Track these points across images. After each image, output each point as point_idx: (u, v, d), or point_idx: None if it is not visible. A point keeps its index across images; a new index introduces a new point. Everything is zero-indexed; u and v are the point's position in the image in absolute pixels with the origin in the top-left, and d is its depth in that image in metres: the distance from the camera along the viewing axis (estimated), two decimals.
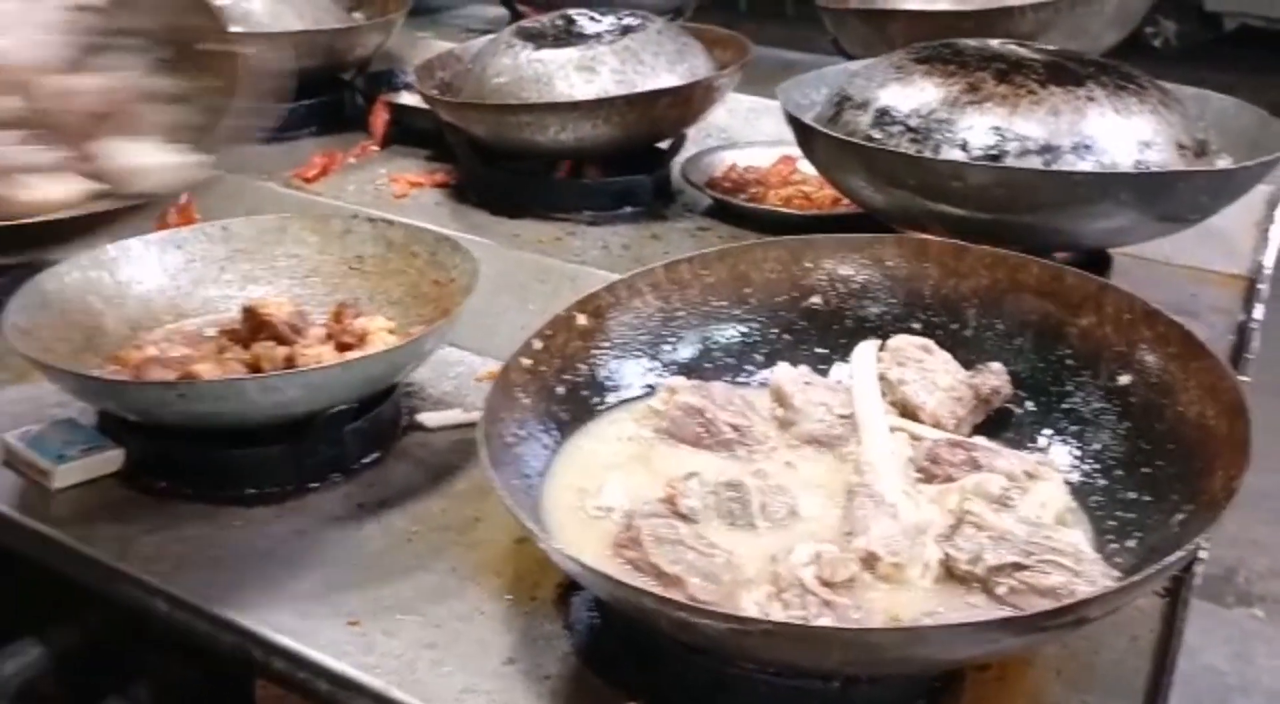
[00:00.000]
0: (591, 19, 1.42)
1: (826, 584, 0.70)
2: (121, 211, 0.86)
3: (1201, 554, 0.87)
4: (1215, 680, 2.53)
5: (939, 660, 0.64)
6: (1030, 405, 0.91)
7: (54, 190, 0.83)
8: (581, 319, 0.94)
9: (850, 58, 1.53)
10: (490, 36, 1.59)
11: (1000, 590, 0.71)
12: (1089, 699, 0.75)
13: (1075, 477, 0.84)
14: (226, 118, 0.89)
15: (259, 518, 0.92)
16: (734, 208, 1.40)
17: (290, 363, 0.97)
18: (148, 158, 0.88)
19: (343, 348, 1.01)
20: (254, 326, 1.02)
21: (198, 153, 0.89)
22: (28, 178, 0.82)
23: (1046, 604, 0.68)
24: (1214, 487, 0.71)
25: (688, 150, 1.52)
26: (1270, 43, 8.09)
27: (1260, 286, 1.20)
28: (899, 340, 0.94)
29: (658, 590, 0.71)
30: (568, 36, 1.41)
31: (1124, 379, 0.85)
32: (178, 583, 0.83)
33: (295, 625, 0.80)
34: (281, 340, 1.01)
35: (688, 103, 1.36)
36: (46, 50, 0.87)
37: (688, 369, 0.97)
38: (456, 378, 1.13)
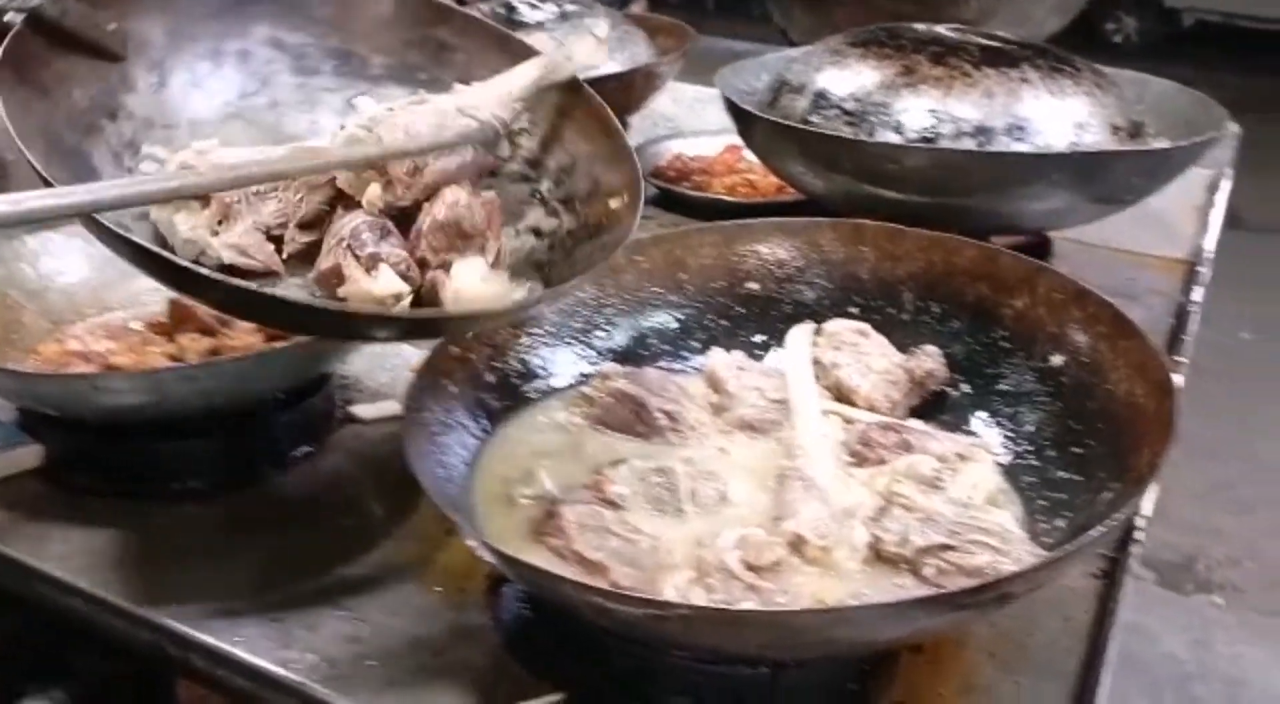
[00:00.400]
0: (532, 6, 1.41)
1: (752, 568, 0.69)
2: (421, 324, 0.80)
3: (1138, 535, 0.87)
4: (1175, 668, 2.55)
5: (860, 642, 0.63)
6: (965, 387, 0.90)
7: (380, 285, 0.77)
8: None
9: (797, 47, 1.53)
10: None
11: (927, 571, 0.70)
12: (1021, 680, 0.75)
13: (1008, 457, 0.83)
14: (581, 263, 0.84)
15: (183, 514, 0.89)
16: (677, 196, 1.39)
17: (215, 354, 0.95)
18: (469, 281, 0.80)
19: (272, 338, 0.99)
20: (179, 318, 1.00)
21: (524, 287, 0.84)
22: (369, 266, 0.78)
23: (972, 584, 0.68)
24: (1140, 464, 0.71)
25: (633, 140, 1.50)
26: (1227, 37, 8.20)
27: (1200, 269, 1.20)
28: (835, 324, 0.93)
29: (581, 578, 0.70)
30: (507, 25, 1.39)
31: (1056, 359, 0.84)
32: (94, 581, 0.81)
33: (214, 622, 0.78)
34: (207, 332, 0.99)
35: (628, 90, 1.35)
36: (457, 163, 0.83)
37: (622, 356, 0.96)
38: (393, 369, 1.11)
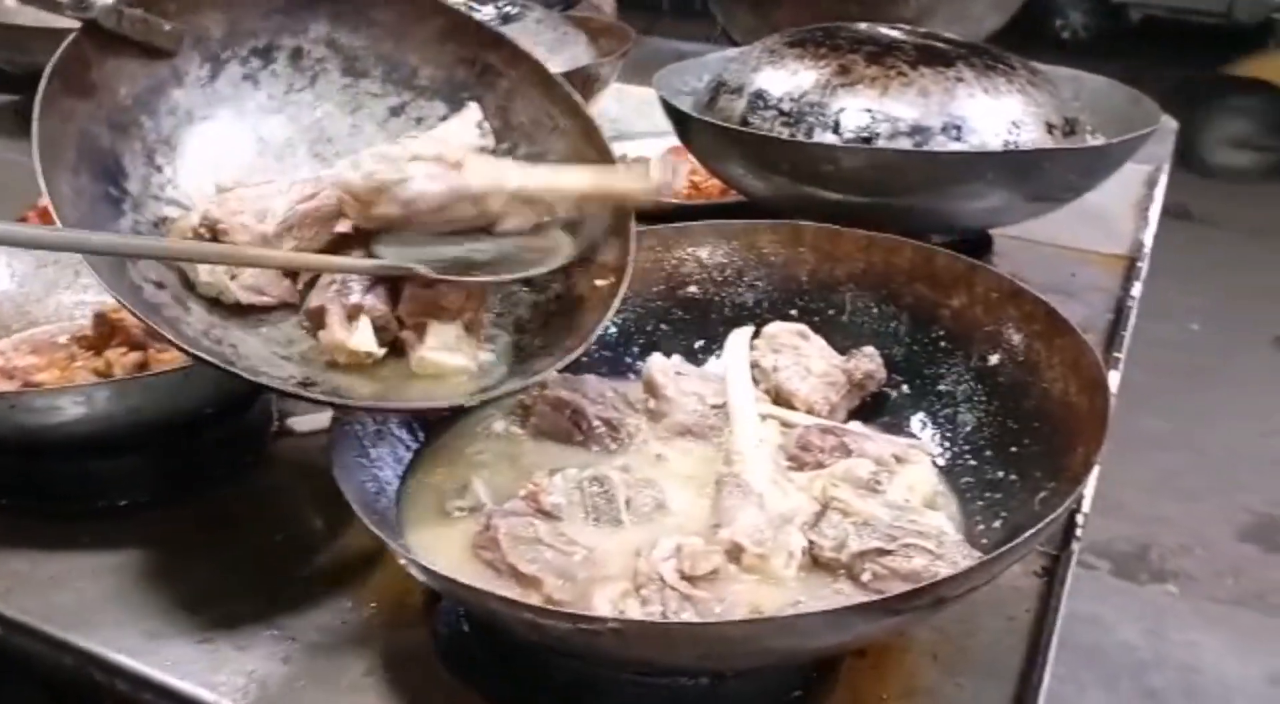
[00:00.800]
0: (469, 8, 1.39)
1: (688, 578, 0.68)
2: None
3: (1079, 532, 0.87)
4: (1130, 656, 2.58)
5: (793, 651, 0.63)
6: (905, 388, 0.90)
7: (356, 339, 0.80)
8: None
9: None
10: None
11: (865, 576, 0.69)
12: (963, 682, 0.74)
13: (946, 458, 0.83)
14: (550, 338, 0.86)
15: (111, 533, 0.87)
16: None
17: (142, 369, 0.93)
18: (437, 348, 0.81)
19: None
20: (106, 332, 0.97)
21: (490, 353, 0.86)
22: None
23: (904, 590, 0.67)
24: (1074, 463, 0.70)
25: None
26: (1174, 32, 8.34)
27: (1139, 265, 1.20)
28: (775, 327, 0.93)
29: (515, 593, 0.69)
30: None
31: (994, 359, 0.84)
32: (14, 604, 0.79)
33: (140, 645, 0.76)
34: (136, 346, 0.96)
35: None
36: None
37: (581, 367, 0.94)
38: None
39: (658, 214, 1.32)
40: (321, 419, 1.01)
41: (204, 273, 0.81)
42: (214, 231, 0.81)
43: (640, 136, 1.53)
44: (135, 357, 0.94)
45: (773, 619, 0.58)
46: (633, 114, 1.60)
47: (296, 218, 0.82)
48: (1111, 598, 2.78)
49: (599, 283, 0.87)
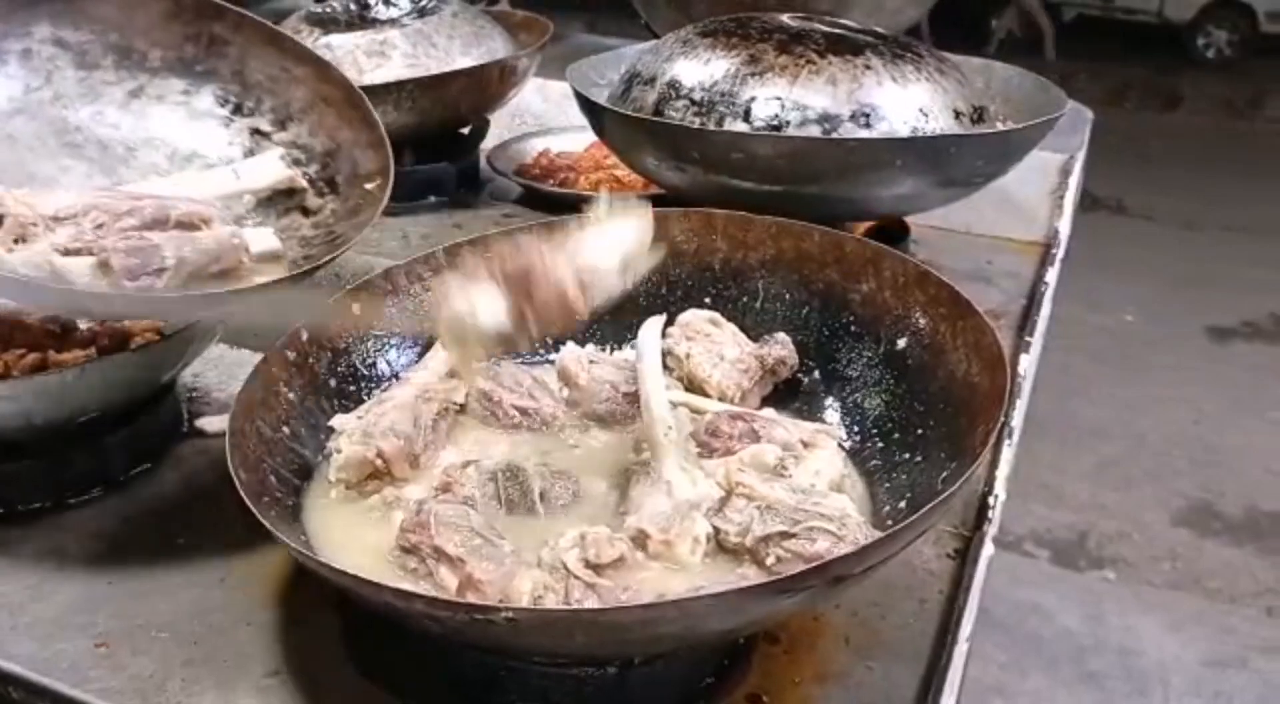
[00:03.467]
0: (386, 3, 1.37)
1: (593, 566, 0.67)
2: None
3: (993, 516, 0.88)
4: (1070, 642, 2.62)
5: (690, 635, 0.62)
6: (817, 374, 0.90)
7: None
8: (356, 308, 0.90)
9: None
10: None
11: (769, 560, 0.69)
12: (874, 665, 0.74)
13: (855, 442, 0.83)
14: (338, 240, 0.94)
15: (8, 538, 0.84)
16: (542, 194, 1.37)
17: (42, 370, 0.90)
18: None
19: (103, 352, 0.94)
20: (4, 334, 0.94)
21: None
22: None
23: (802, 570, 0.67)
24: (975, 441, 0.71)
25: (498, 137, 1.48)
26: (1107, 31, 8.50)
27: (1054, 251, 1.22)
28: (689, 315, 0.93)
29: (433, 579, 0.68)
30: (360, 22, 1.36)
31: (901, 342, 0.85)
32: None
33: (34, 652, 0.74)
34: (35, 347, 0.93)
35: (484, 86, 1.32)
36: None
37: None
38: (244, 380, 1.06)
39: (577, 208, 1.32)
40: None
41: None
42: None
43: (562, 131, 1.52)
44: (33, 358, 0.91)
45: (665, 604, 0.57)
46: (554, 109, 1.60)
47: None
48: (1052, 585, 2.81)
49: (369, 186, 0.96)
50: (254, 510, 0.65)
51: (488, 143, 1.49)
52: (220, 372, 1.08)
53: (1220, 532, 3.04)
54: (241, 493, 0.68)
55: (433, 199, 1.39)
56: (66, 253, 0.81)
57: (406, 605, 0.60)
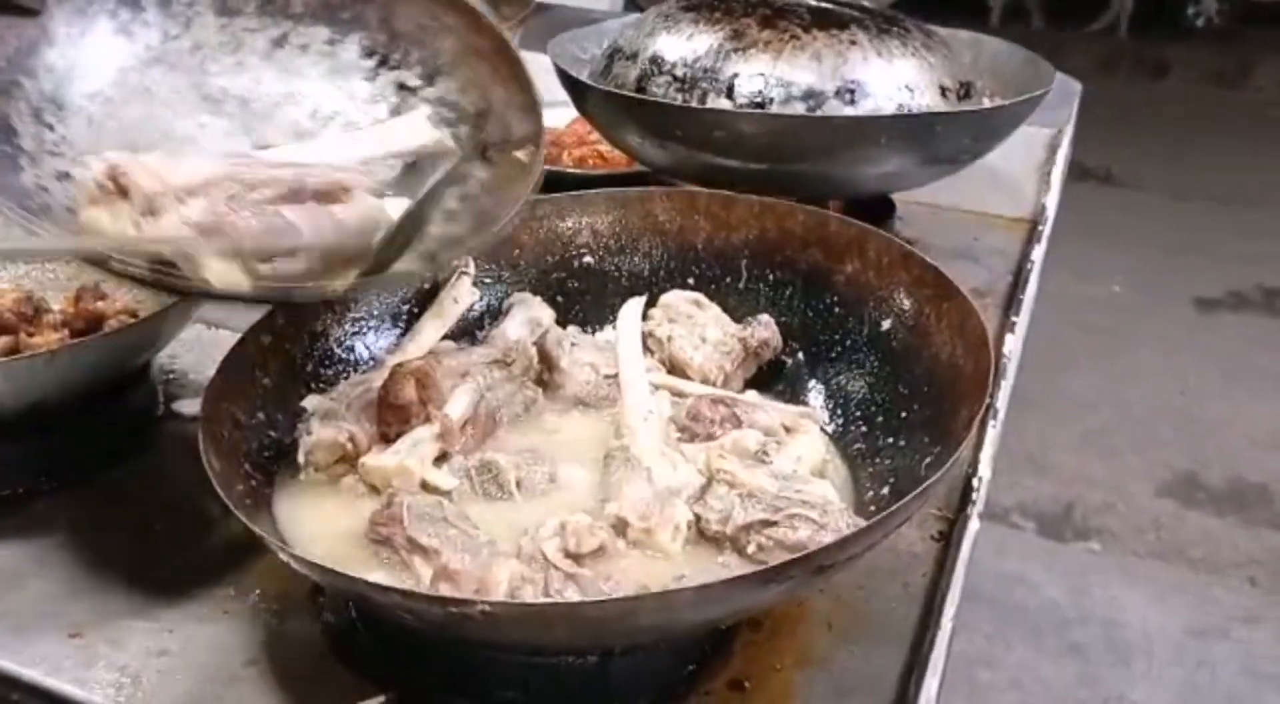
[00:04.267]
0: None
1: (572, 556, 0.67)
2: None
3: (977, 498, 0.87)
4: (1055, 614, 2.64)
5: (670, 627, 0.62)
6: (801, 356, 0.89)
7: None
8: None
9: None
10: None
11: (750, 548, 0.69)
12: (856, 649, 0.74)
13: (838, 425, 0.83)
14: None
15: None
16: None
17: (10, 354, 0.89)
18: None
19: (77, 335, 0.93)
20: None
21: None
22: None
23: (783, 560, 0.66)
24: (958, 425, 0.70)
25: None
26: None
27: (1041, 229, 1.21)
28: (671, 296, 0.92)
29: (406, 569, 0.68)
30: None
31: (885, 324, 0.84)
32: None
33: (7, 642, 0.73)
34: (6, 329, 0.92)
35: None
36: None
37: (460, 333, 0.92)
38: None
39: (559, 184, 1.31)
40: None
41: (109, 225, 0.77)
42: (118, 182, 0.77)
43: (546, 106, 1.48)
44: (5, 341, 0.90)
45: (645, 596, 0.57)
46: (538, 84, 1.57)
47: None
48: (1037, 557, 2.83)
49: (520, 155, 0.89)
50: (228, 503, 0.64)
51: None
52: (198, 353, 1.06)
53: (1204, 502, 3.06)
54: (215, 484, 0.67)
55: None
56: (199, 228, 0.76)
57: (381, 598, 0.59)
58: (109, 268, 0.76)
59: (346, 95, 0.95)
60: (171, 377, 1.03)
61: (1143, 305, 4.15)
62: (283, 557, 0.63)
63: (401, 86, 0.95)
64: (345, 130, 0.94)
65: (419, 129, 0.90)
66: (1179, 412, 3.44)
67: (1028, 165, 1.33)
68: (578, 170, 1.33)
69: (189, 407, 0.98)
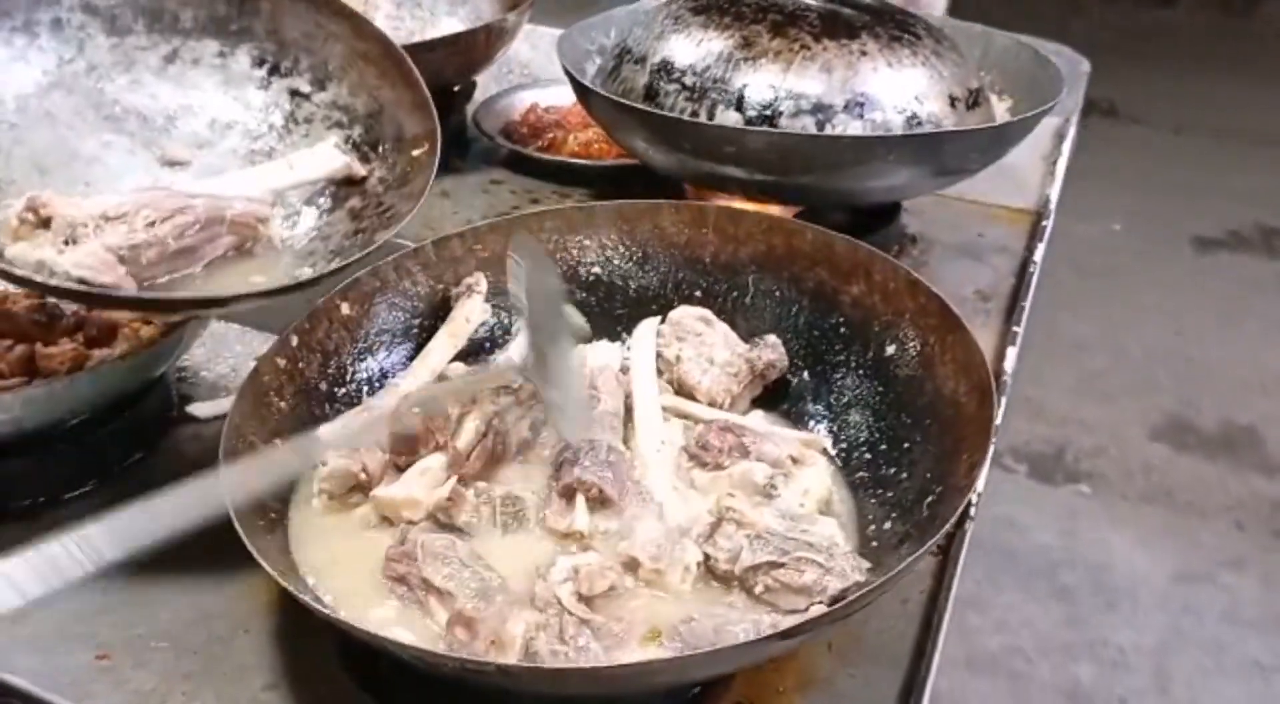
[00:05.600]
0: None
1: (584, 599, 0.69)
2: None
3: (974, 513, 0.89)
4: (1044, 557, 2.69)
5: (678, 682, 0.64)
6: (806, 375, 0.90)
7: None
8: (345, 308, 0.89)
9: None
10: None
11: (758, 589, 0.71)
12: (856, 672, 0.76)
13: (843, 450, 0.84)
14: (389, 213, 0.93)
15: (1, 539, 0.85)
16: (528, 158, 1.34)
17: (29, 364, 0.90)
18: None
19: (90, 343, 0.94)
20: None
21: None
22: None
23: (800, 602, 0.69)
24: (959, 470, 0.72)
25: (485, 89, 1.45)
26: None
27: (1044, 224, 1.21)
28: (680, 312, 0.92)
29: (421, 609, 0.70)
30: None
31: (890, 349, 0.85)
32: None
33: (35, 664, 0.74)
34: (22, 337, 0.93)
35: (471, 49, 1.28)
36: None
37: (470, 352, 0.93)
38: (234, 358, 1.06)
39: (568, 174, 1.30)
40: (223, 404, 0.99)
41: (32, 253, 0.82)
42: (38, 214, 0.83)
43: (550, 83, 1.48)
44: (21, 351, 0.91)
45: (656, 662, 0.59)
46: (544, 58, 1.55)
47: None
48: (1028, 499, 2.87)
49: (415, 152, 0.95)
50: (256, 556, 0.66)
51: (475, 94, 1.45)
52: (208, 349, 1.07)
53: (1195, 446, 3.09)
54: (238, 528, 0.68)
55: None
56: (119, 254, 0.82)
57: (399, 652, 0.61)
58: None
59: (242, 105, 1.01)
60: (183, 375, 1.04)
61: (1141, 245, 4.14)
62: (310, 607, 0.65)
63: (294, 93, 1.00)
64: (244, 138, 1.00)
65: (327, 156, 0.96)
66: (1174, 354, 3.46)
67: (1034, 155, 1.33)
68: (583, 161, 1.32)
69: (203, 409, 0.99)
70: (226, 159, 0.99)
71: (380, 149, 0.97)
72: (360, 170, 0.96)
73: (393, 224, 0.89)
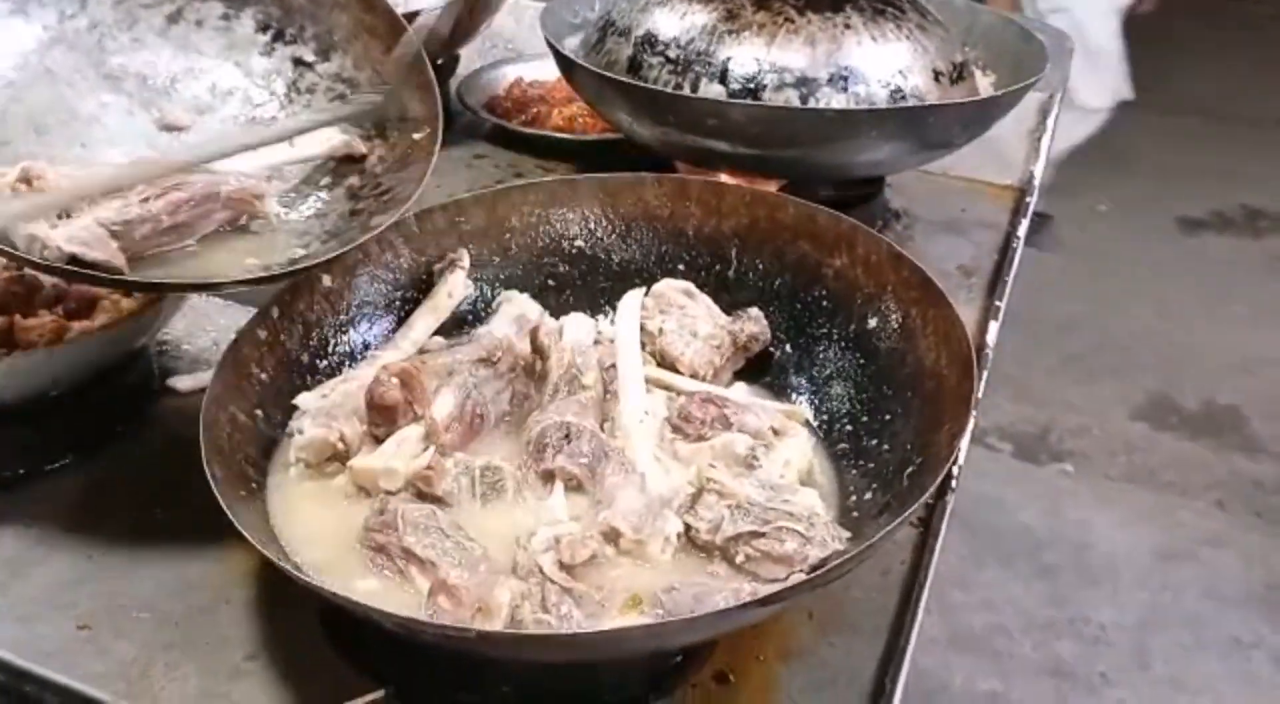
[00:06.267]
0: None
1: (566, 567, 0.69)
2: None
3: (955, 485, 0.89)
4: (1027, 536, 2.71)
5: (661, 649, 0.64)
6: (789, 348, 0.90)
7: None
8: (326, 280, 0.89)
9: None
10: None
11: (739, 559, 0.71)
12: (836, 641, 0.77)
13: (824, 421, 0.85)
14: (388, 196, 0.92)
15: None
16: (512, 133, 1.34)
17: (8, 335, 0.89)
18: None
19: (70, 315, 0.93)
20: None
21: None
22: None
23: (781, 571, 0.69)
24: (940, 442, 0.72)
25: (469, 63, 1.44)
26: None
27: (1028, 199, 1.21)
28: (663, 285, 0.92)
29: (402, 577, 0.70)
30: None
31: (872, 322, 0.85)
32: None
33: (16, 634, 0.74)
34: (1, 309, 0.92)
35: (455, 24, 1.27)
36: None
37: (452, 324, 0.92)
38: (216, 331, 1.06)
39: (552, 149, 1.30)
40: (205, 377, 0.98)
41: (24, 225, 0.80)
42: (31, 185, 0.82)
43: (534, 58, 1.47)
44: None
45: (636, 628, 0.59)
46: (529, 32, 1.54)
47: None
48: (1012, 479, 2.89)
49: (416, 136, 0.94)
50: (238, 526, 0.66)
51: (459, 69, 1.45)
52: (188, 322, 1.06)
53: (1177, 425, 3.11)
54: (219, 498, 0.68)
55: None
56: (110, 229, 0.80)
57: (382, 620, 0.62)
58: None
59: (244, 71, 1.00)
60: (164, 348, 1.03)
61: (1126, 226, 4.15)
62: (292, 576, 0.65)
63: (298, 62, 0.99)
64: (245, 105, 0.99)
65: (327, 133, 0.95)
66: (1157, 335, 3.48)
67: (1018, 131, 1.33)
68: (567, 135, 1.32)
69: (184, 382, 0.98)
70: (226, 126, 0.98)
71: (383, 127, 0.96)
72: (361, 148, 0.95)
73: (390, 209, 0.88)
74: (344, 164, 0.96)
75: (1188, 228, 4.20)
